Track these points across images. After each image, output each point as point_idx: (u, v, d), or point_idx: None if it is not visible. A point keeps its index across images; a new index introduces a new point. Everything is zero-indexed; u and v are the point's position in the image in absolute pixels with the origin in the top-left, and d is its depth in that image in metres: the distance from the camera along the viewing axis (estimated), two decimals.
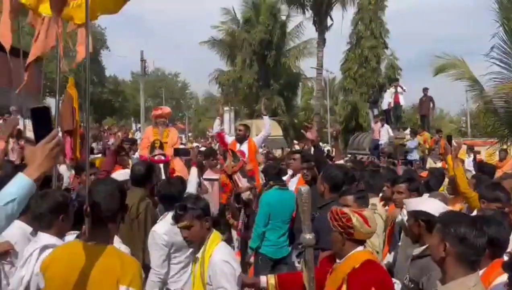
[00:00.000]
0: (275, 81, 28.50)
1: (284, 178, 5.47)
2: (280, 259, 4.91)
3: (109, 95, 41.70)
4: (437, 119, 45.16)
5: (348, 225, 2.34)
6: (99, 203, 2.12)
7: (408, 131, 15.47)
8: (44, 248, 2.39)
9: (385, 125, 15.13)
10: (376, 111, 18.11)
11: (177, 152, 5.05)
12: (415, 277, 2.58)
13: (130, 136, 14.14)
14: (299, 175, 5.17)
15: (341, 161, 5.46)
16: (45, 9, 3.37)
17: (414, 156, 13.36)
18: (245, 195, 5.42)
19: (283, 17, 28.61)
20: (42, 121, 1.72)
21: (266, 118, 7.23)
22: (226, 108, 34.10)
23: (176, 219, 2.71)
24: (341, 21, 25.22)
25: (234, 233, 6.39)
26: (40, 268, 2.09)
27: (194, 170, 4.41)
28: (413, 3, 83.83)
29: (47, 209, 2.52)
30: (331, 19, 26.31)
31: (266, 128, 7.07)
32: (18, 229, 2.75)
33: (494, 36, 13.49)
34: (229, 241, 7.05)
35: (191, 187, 4.19)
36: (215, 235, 2.74)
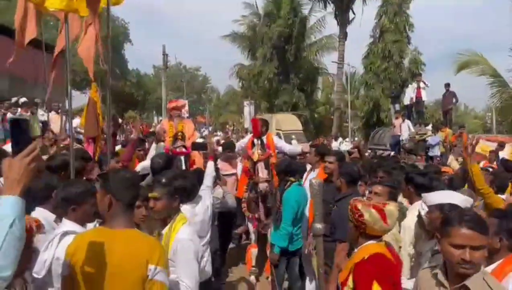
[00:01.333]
0: (295, 75, 28.37)
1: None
2: (295, 251, 4.96)
3: (131, 88, 42.25)
4: (461, 115, 44.18)
5: (360, 221, 2.39)
6: (119, 190, 2.21)
7: (430, 126, 15.22)
8: (65, 234, 2.51)
9: (406, 120, 14.94)
10: (398, 106, 17.87)
11: (194, 146, 5.11)
12: None
13: (151, 129, 14.33)
14: (317, 169, 5.20)
15: None
16: (52, 4, 3.45)
17: (436, 152, 13.17)
18: (263, 186, 5.45)
19: (305, 11, 28.40)
20: (21, 133, 1.63)
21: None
22: (246, 102, 34.28)
23: (149, 190, 2.85)
24: (361, 14, 24.91)
25: (250, 226, 6.46)
26: (66, 256, 2.16)
27: (210, 164, 4.46)
28: None
29: (61, 199, 2.66)
30: (353, 13, 26.05)
31: (291, 149, 7.04)
32: (40, 217, 2.87)
33: None
34: (247, 234, 7.19)
35: (208, 181, 4.26)
36: (182, 215, 2.87)
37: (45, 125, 9.91)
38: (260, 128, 6.40)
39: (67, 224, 2.60)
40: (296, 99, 28.09)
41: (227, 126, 27.04)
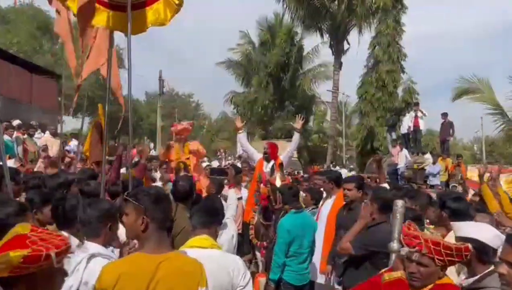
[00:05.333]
0: (290, 103, 28.56)
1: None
2: (302, 286, 4.69)
3: (124, 114, 42.05)
4: (451, 145, 44.76)
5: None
6: (154, 210, 2.05)
7: (428, 155, 15.24)
8: (92, 256, 2.34)
9: (404, 149, 14.95)
10: (394, 135, 17.94)
11: (213, 172, 4.88)
12: None
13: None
14: (334, 196, 5.03)
15: (385, 185, 5.31)
16: (98, 21, 3.42)
17: (435, 181, 13.13)
18: None
19: (300, 39, 28.80)
20: None
21: (297, 135, 7.05)
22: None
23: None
24: (357, 45, 25.38)
25: (258, 254, 6.23)
26: (103, 287, 1.95)
27: (232, 193, 4.22)
28: (431, 29, 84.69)
29: (95, 218, 2.47)
30: (348, 43, 26.50)
31: (293, 145, 6.99)
32: None
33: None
34: (249, 261, 6.93)
35: (232, 209, 4.00)
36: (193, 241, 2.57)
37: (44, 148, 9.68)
38: (277, 152, 6.30)
39: (92, 247, 2.42)
40: (290, 127, 28.08)
41: (218, 153, 26.87)
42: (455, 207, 3.33)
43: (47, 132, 12.65)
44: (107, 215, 2.49)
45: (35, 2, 34.13)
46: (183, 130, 7.13)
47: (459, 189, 13.32)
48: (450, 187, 11.01)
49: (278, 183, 5.27)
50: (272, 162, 6.38)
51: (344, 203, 4.68)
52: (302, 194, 7.59)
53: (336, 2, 25.66)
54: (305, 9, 25.24)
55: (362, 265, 3.54)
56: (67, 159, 8.59)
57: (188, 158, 6.79)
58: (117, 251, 2.74)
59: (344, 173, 20.11)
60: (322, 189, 6.07)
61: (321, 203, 5.27)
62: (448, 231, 3.19)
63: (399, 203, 2.07)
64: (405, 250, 2.19)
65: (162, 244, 2.04)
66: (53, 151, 9.94)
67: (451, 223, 2.92)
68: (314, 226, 4.73)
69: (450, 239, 3.08)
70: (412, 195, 4.51)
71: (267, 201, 5.48)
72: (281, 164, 5.68)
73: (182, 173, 5.71)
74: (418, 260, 2.15)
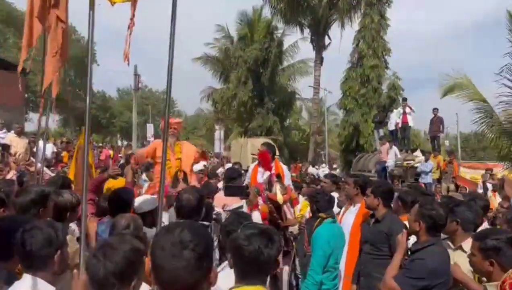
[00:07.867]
0: (270, 100, 27.84)
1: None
2: None
3: (96, 111, 40.56)
4: (423, 142, 45.26)
5: None
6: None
7: (418, 152, 14.82)
8: None
9: (394, 146, 14.48)
10: (381, 132, 17.48)
11: (229, 191, 3.98)
12: None
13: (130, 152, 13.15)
14: (358, 204, 4.32)
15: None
16: None
17: (428, 179, 12.68)
18: (296, 230, 4.54)
19: (280, 35, 28.14)
20: None
21: None
22: (216, 126, 33.30)
23: None
24: (340, 39, 24.96)
25: None
26: None
27: (257, 215, 3.52)
28: (414, 25, 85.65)
29: (118, 271, 1.63)
30: (329, 38, 26.00)
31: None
32: None
33: (506, 55, 13.19)
34: None
35: None
36: None
37: (7, 148, 8.71)
38: (271, 159, 5.43)
39: None
40: (271, 124, 27.44)
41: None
42: None
43: (12, 131, 11.59)
44: (132, 267, 1.69)
45: None
46: (176, 124, 6.43)
47: (452, 186, 12.99)
48: (459, 190, 10.53)
49: (279, 198, 4.49)
50: (267, 173, 5.50)
51: (371, 213, 4.00)
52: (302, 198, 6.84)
53: None
54: (286, 3, 24.54)
55: None
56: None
57: (179, 158, 6.02)
58: None
59: (326, 170, 19.62)
60: (331, 194, 5.37)
61: (342, 211, 4.56)
62: None
63: None
64: None
65: None
66: (19, 152, 9.02)
67: None
68: (345, 240, 4.07)
69: None
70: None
71: (267, 222, 4.70)
72: (278, 175, 4.86)
73: (180, 184, 4.86)
74: None
